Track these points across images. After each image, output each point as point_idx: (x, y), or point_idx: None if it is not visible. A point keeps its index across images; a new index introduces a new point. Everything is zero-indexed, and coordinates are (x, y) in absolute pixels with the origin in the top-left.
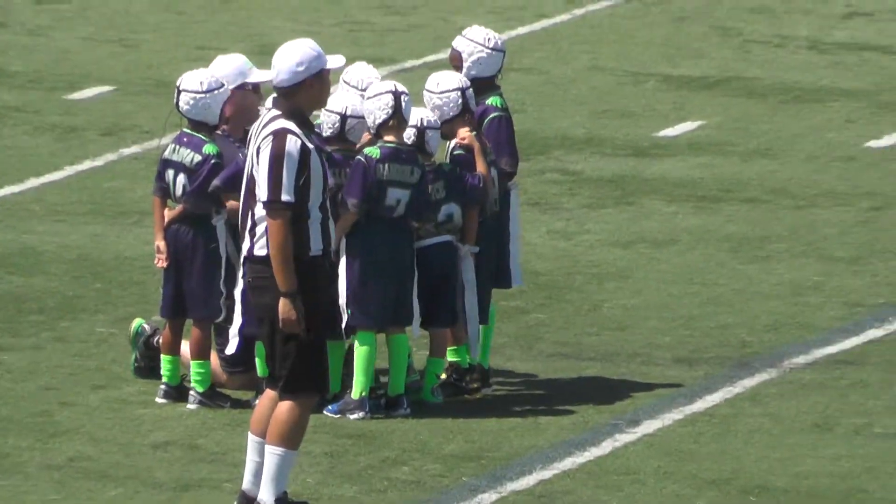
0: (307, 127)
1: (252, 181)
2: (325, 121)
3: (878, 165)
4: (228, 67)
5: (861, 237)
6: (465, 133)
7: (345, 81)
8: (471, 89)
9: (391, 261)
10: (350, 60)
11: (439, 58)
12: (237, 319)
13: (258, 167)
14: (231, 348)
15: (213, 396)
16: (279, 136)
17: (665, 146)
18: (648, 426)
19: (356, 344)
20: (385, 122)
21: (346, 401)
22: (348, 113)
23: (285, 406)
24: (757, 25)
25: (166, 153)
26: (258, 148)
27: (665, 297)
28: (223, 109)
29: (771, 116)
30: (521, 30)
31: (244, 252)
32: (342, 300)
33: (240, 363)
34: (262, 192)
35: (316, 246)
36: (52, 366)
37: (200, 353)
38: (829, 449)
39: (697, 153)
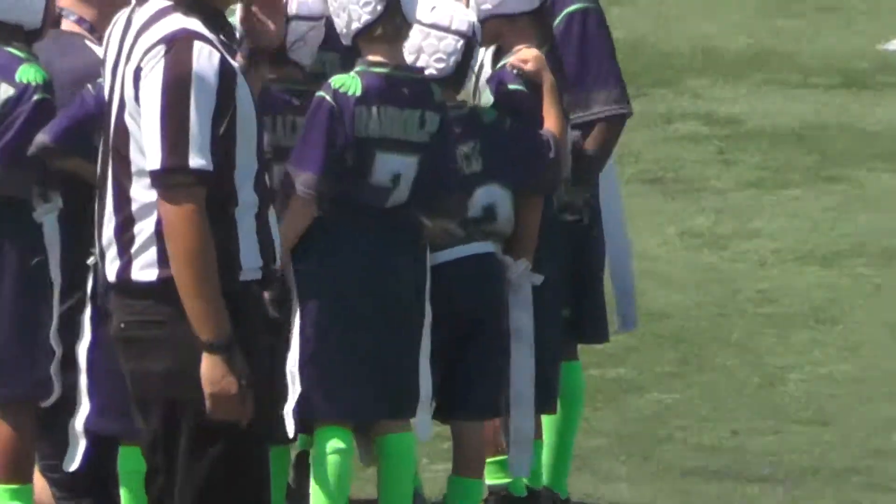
0: (224, 30)
1: (121, 136)
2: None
3: None
4: None
5: None
6: (528, 53)
7: None
8: None
9: (380, 292)
10: None
11: None
12: (83, 405)
13: (137, 108)
14: (72, 461)
15: None
16: (179, 46)
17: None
18: None
19: (316, 450)
20: (369, 25)
21: None
22: (293, 11)
23: None
24: None
25: None
26: (136, 71)
27: None
28: (50, 2)
29: None
30: None
31: (108, 275)
32: (291, 367)
33: (88, 488)
34: (150, 157)
35: (250, 259)
36: None
37: (14, 469)
38: None
39: None
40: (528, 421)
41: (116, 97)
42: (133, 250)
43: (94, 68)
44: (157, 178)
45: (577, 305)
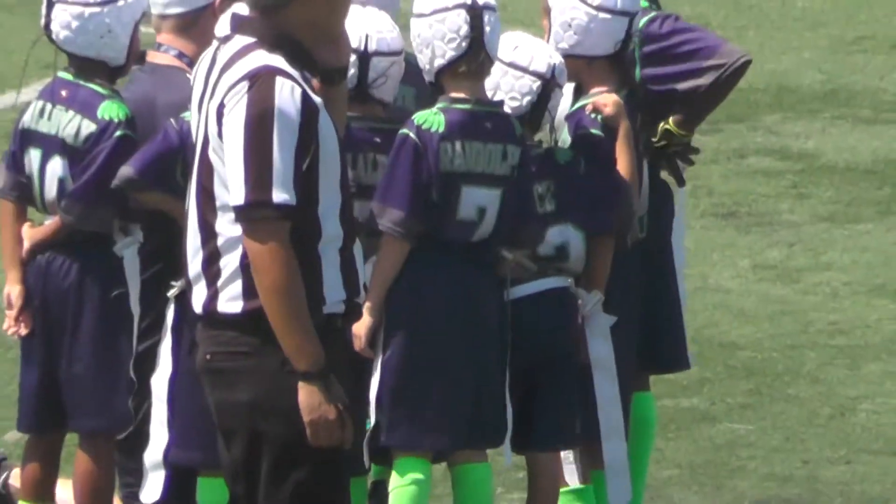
0: (307, 67)
1: (206, 171)
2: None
3: None
4: None
5: None
6: (608, 98)
7: None
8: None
9: (465, 325)
10: None
11: None
12: (160, 436)
13: (221, 144)
14: (152, 492)
15: None
16: (261, 83)
17: None
18: None
19: (395, 479)
20: (453, 62)
21: None
22: (373, 47)
23: None
24: None
25: (28, 119)
26: (220, 107)
27: None
28: (135, 37)
29: None
30: None
31: (195, 307)
32: (373, 397)
33: None
34: (234, 192)
35: (334, 293)
36: None
37: (95, 499)
38: None
39: None
40: (621, 449)
41: (201, 133)
42: (219, 283)
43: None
44: (242, 213)
45: (655, 336)
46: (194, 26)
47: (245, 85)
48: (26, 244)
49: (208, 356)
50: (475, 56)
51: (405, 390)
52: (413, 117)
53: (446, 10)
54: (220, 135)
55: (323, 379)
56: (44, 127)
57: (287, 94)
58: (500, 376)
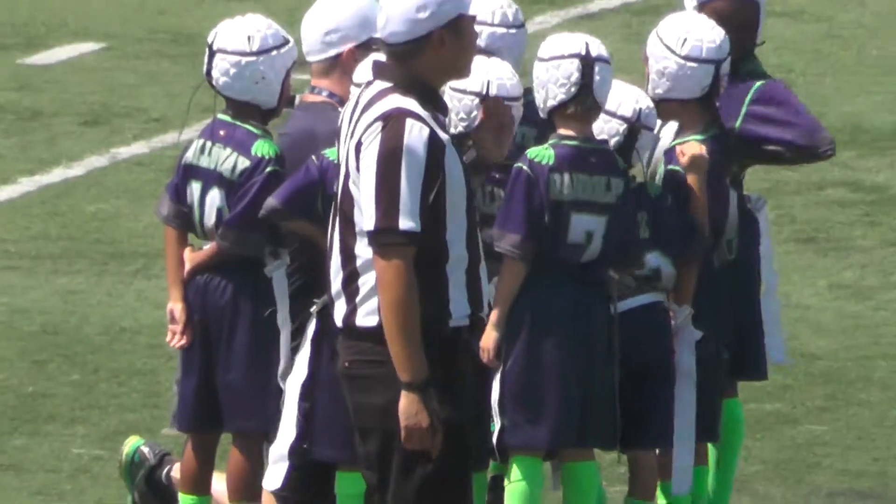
0: (437, 108)
1: (347, 201)
2: (457, 107)
3: None
4: (349, 10)
5: None
6: (690, 148)
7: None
8: (728, 59)
9: (577, 337)
10: None
11: None
12: (287, 433)
13: (358, 177)
14: (273, 482)
15: None
16: (393, 123)
17: None
18: None
19: (511, 476)
20: (564, 104)
21: None
22: (493, 92)
23: None
24: None
25: (190, 155)
26: (358, 145)
27: None
28: (286, 83)
29: None
30: None
31: (337, 321)
32: (494, 402)
33: None
34: (366, 218)
35: (459, 308)
36: None
37: (246, 492)
38: None
39: None
40: (689, 449)
41: (343, 167)
42: (357, 300)
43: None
44: (372, 238)
45: (739, 348)
46: (334, 70)
47: (379, 125)
48: (187, 266)
49: (347, 364)
50: (583, 101)
51: (523, 396)
52: (527, 152)
53: (562, 57)
54: (357, 168)
55: (422, 391)
56: (204, 162)
57: (416, 134)
58: (610, 382)
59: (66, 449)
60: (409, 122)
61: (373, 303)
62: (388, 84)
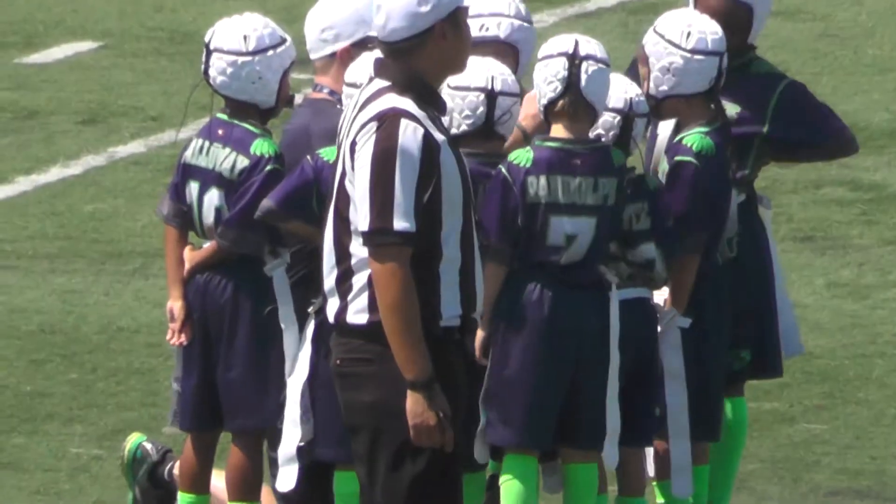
0: (435, 106)
1: (342, 200)
2: (460, 105)
3: None
4: (344, 8)
5: None
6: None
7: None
8: (725, 55)
9: (557, 335)
10: None
11: None
12: (292, 431)
13: (353, 174)
14: (284, 481)
15: None
16: (388, 123)
17: None
18: None
19: (503, 476)
20: (553, 102)
21: None
22: (498, 87)
23: None
24: None
25: (189, 154)
26: (353, 144)
27: None
28: (284, 82)
29: None
30: None
31: (330, 318)
32: (482, 401)
33: None
34: (361, 218)
35: (450, 309)
36: None
37: (245, 489)
38: None
39: None
40: (685, 450)
41: (340, 165)
42: (349, 297)
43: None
44: (367, 238)
45: (756, 345)
46: (331, 67)
47: (374, 125)
48: (187, 265)
49: (338, 361)
50: (570, 98)
51: (504, 395)
52: (510, 155)
53: (551, 56)
54: (352, 168)
55: (427, 389)
56: (202, 162)
57: (410, 134)
58: (602, 382)
59: (64, 448)
60: (404, 122)
61: (363, 301)
62: (386, 83)
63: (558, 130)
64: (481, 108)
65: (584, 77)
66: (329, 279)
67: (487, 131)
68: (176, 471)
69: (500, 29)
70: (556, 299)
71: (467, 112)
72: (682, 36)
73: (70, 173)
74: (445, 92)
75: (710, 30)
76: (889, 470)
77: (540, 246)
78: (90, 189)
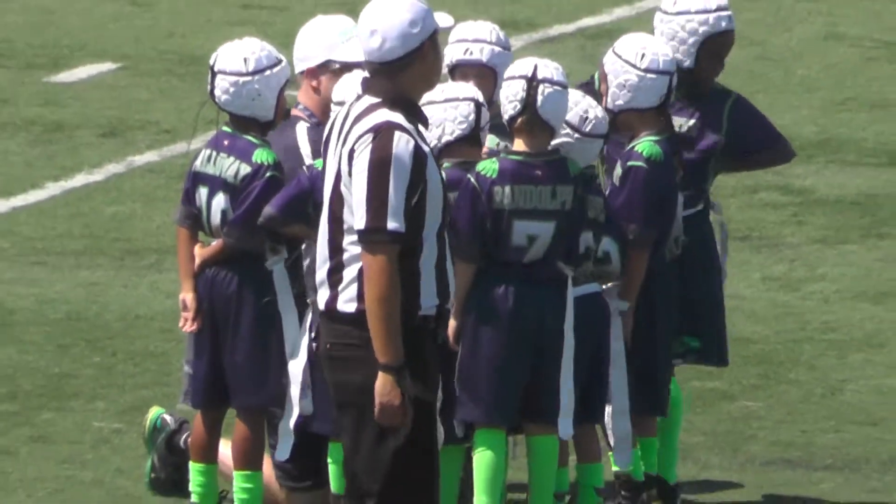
0: (420, 120)
1: (337, 200)
2: (454, 114)
3: None
4: (307, 35)
5: None
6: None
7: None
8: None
9: (519, 325)
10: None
11: (599, 22)
12: (293, 408)
13: (349, 179)
14: (284, 451)
15: None
16: (383, 134)
17: None
18: None
19: (476, 448)
20: (513, 118)
21: None
22: (480, 98)
23: None
24: None
25: (198, 163)
26: (350, 152)
27: None
28: (281, 98)
29: None
30: None
31: (320, 306)
32: (455, 383)
33: (306, 475)
34: (357, 218)
35: (428, 300)
36: (29, 478)
37: (248, 459)
38: None
39: None
40: (626, 426)
41: (334, 170)
42: (339, 287)
43: (294, 144)
44: (362, 236)
45: (704, 336)
46: (303, 85)
47: (370, 136)
48: (197, 261)
49: (328, 345)
50: (527, 117)
51: (474, 377)
52: (478, 165)
53: (513, 78)
54: (349, 173)
55: (397, 372)
56: (210, 169)
57: (403, 145)
58: (557, 365)
59: (88, 422)
60: (398, 134)
61: (353, 291)
62: (376, 99)
63: (519, 144)
64: (472, 115)
65: (540, 98)
66: (321, 272)
67: (474, 137)
68: (187, 440)
69: (482, 54)
70: (519, 294)
71: (460, 119)
72: (636, 56)
73: (93, 180)
74: (437, 105)
75: (661, 52)
76: (816, 442)
77: (505, 247)
78: (111, 194)
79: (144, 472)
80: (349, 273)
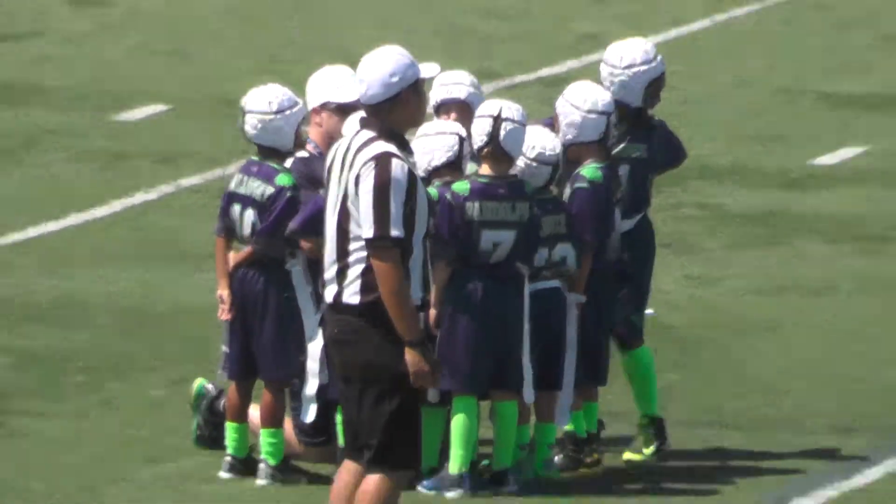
0: (406, 150)
1: (344, 214)
2: (441, 143)
3: None
4: (312, 82)
5: None
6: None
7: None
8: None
9: (488, 312)
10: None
11: (555, 72)
12: (312, 380)
13: (356, 198)
14: (308, 415)
15: (286, 470)
16: (383, 161)
17: (822, 176)
18: None
19: (453, 412)
20: (480, 148)
21: (443, 476)
22: (463, 133)
23: (374, 481)
24: None
25: (232, 185)
26: (357, 177)
27: (821, 354)
28: (298, 132)
29: None
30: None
31: (328, 299)
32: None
33: (318, 432)
34: (365, 229)
35: (416, 292)
36: (98, 435)
37: (272, 420)
38: None
39: (860, 185)
40: (569, 397)
41: (341, 191)
42: (344, 284)
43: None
44: (371, 243)
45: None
46: (307, 124)
47: (373, 163)
48: (231, 263)
49: (335, 331)
50: (491, 148)
51: (451, 355)
52: (453, 185)
53: (482, 116)
54: (356, 193)
55: (421, 345)
56: (242, 190)
57: (399, 170)
58: (517, 343)
59: (145, 391)
60: (394, 161)
61: (356, 287)
62: (372, 133)
63: (486, 169)
64: (456, 147)
65: (502, 133)
66: (330, 271)
67: (457, 164)
68: (224, 404)
69: (461, 93)
70: (486, 288)
71: (447, 149)
72: (581, 100)
73: (149, 198)
74: (430, 137)
75: (601, 97)
76: (725, 407)
77: (475, 251)
78: (163, 210)
79: (191, 431)
80: (353, 272)
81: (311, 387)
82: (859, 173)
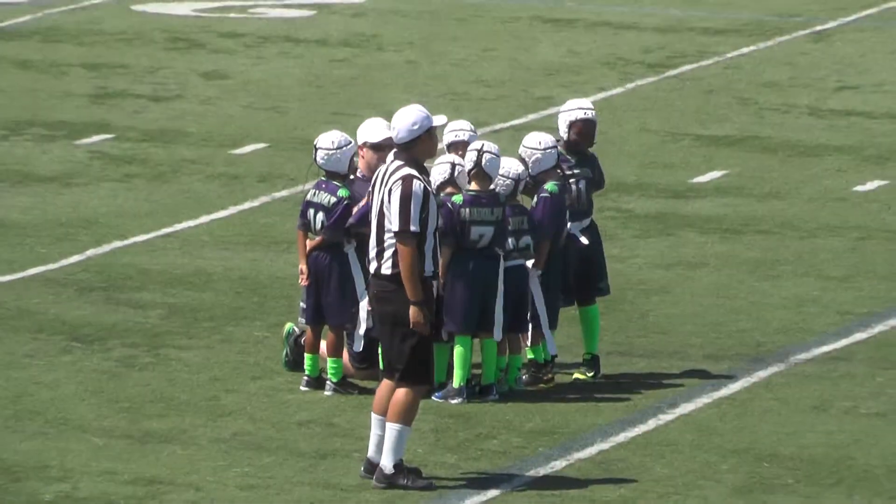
0: (424, 173)
1: (381, 215)
2: (440, 169)
3: (862, 205)
4: (362, 127)
5: (850, 260)
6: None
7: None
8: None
9: (476, 280)
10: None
11: (521, 122)
12: (363, 324)
13: (389, 204)
14: (357, 347)
15: (344, 385)
16: (407, 180)
17: (698, 190)
18: (684, 408)
19: (455, 347)
20: (469, 170)
21: (449, 389)
22: (458, 162)
23: (401, 392)
24: (769, 96)
25: (309, 196)
26: (389, 189)
27: (697, 307)
28: (352, 161)
29: (780, 167)
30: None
31: (372, 270)
32: (443, 312)
33: (365, 360)
34: (394, 224)
35: (428, 268)
36: (220, 361)
37: (335, 351)
38: (824, 426)
39: (723, 195)
40: (551, 336)
41: (379, 200)
42: (382, 261)
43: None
44: (396, 235)
45: (594, 283)
46: (359, 157)
47: (400, 182)
48: (308, 248)
49: (376, 291)
50: (476, 171)
51: (452, 308)
52: (452, 197)
53: (471, 150)
54: (389, 201)
55: (421, 305)
56: (315, 199)
57: (418, 187)
58: (493, 301)
59: (251, 333)
60: (415, 181)
61: (389, 263)
62: (401, 162)
63: (474, 185)
64: (449, 171)
65: (484, 161)
66: (372, 252)
67: (452, 181)
68: (304, 340)
69: (465, 136)
70: (475, 264)
71: (443, 173)
72: (537, 143)
73: (254, 205)
74: (438, 165)
75: (548, 139)
76: (635, 343)
77: (467, 240)
78: (263, 213)
79: (281, 358)
80: (387, 253)
81: (361, 329)
82: (722, 188)
